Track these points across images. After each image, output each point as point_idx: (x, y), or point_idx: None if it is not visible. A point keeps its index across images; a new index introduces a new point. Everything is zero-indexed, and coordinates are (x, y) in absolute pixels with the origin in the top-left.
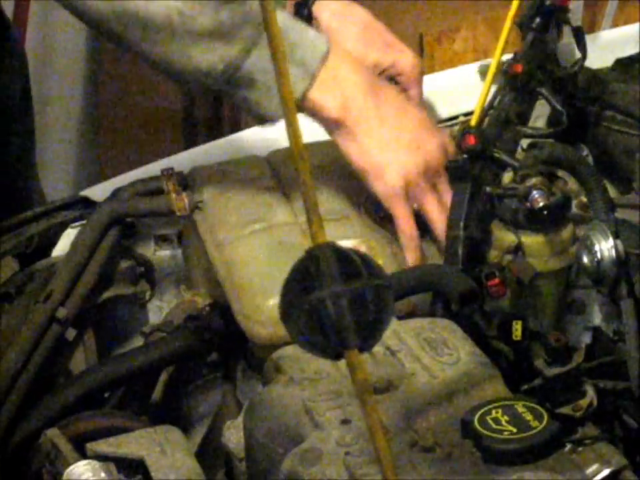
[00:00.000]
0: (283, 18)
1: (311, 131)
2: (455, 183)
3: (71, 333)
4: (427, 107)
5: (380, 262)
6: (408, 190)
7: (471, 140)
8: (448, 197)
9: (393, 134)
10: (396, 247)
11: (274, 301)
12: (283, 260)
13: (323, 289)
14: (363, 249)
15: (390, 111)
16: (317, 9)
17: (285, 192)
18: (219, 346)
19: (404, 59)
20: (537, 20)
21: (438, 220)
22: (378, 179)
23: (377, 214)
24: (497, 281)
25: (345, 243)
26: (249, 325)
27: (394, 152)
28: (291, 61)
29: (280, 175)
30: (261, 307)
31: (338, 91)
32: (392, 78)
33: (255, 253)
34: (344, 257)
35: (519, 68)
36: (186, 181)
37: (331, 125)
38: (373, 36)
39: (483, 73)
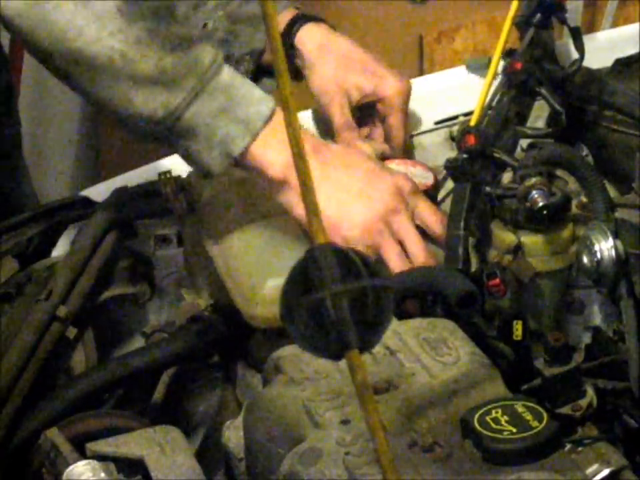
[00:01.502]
0: (231, 75)
1: (310, 131)
2: (455, 182)
3: (71, 332)
4: (406, 133)
5: None
6: (364, 241)
7: (471, 140)
8: (426, 217)
9: (340, 190)
10: None
11: (271, 282)
12: (280, 246)
13: (324, 289)
14: None
15: (335, 168)
16: (299, 41)
17: None
18: (221, 347)
19: (385, 85)
20: (538, 16)
21: (396, 267)
22: (332, 236)
23: None
24: (497, 281)
25: None
26: (247, 306)
27: (343, 207)
28: (233, 118)
29: None
30: (257, 288)
31: (282, 150)
32: (374, 105)
33: (252, 241)
34: (344, 257)
35: (519, 65)
36: (183, 183)
37: (274, 184)
38: (352, 63)
39: (472, 68)
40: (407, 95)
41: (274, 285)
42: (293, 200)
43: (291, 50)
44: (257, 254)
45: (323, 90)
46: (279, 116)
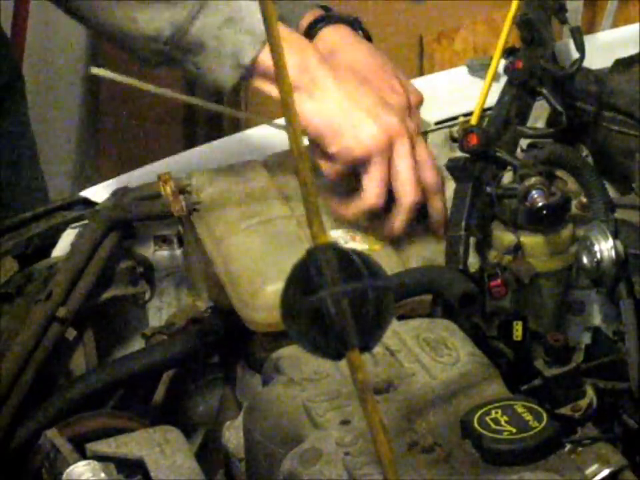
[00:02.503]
0: None
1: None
2: (457, 182)
3: (71, 333)
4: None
5: (377, 248)
6: (361, 156)
7: (473, 139)
8: (422, 157)
9: (350, 99)
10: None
11: (271, 287)
12: (280, 249)
13: (324, 289)
14: (358, 236)
15: (348, 78)
16: (316, 44)
17: (281, 190)
18: (220, 348)
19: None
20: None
21: (371, 195)
22: (333, 141)
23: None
24: (499, 281)
25: (338, 232)
26: (247, 311)
27: (350, 116)
28: (239, 29)
29: (276, 176)
30: (257, 292)
31: (293, 55)
32: None
33: (251, 244)
34: (344, 257)
35: (519, 64)
36: (183, 185)
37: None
38: (354, 72)
39: (473, 68)
40: (405, 111)
41: (274, 289)
42: (302, 101)
43: None
44: (257, 257)
45: None
46: (288, 28)
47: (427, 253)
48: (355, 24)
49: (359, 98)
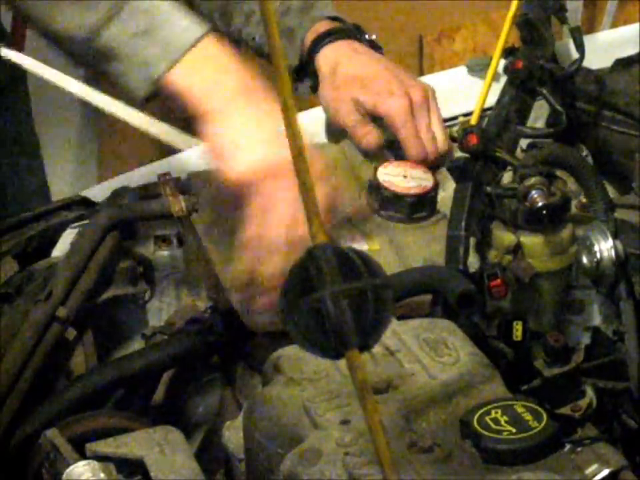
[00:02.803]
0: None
1: (310, 132)
2: (457, 182)
3: (71, 333)
4: (417, 144)
5: (377, 248)
6: (240, 183)
7: (473, 139)
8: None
9: (252, 127)
10: (392, 234)
11: None
12: None
13: (323, 288)
14: (358, 236)
15: (256, 109)
16: (317, 62)
17: None
18: (220, 348)
19: (383, 104)
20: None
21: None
22: (219, 164)
23: None
24: (499, 281)
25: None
26: (247, 313)
27: (242, 143)
28: (153, 41)
29: None
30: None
31: (203, 79)
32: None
33: None
34: (344, 256)
35: (519, 64)
36: (183, 185)
37: (193, 112)
38: (356, 82)
39: (472, 68)
40: (407, 111)
41: None
42: (207, 130)
43: (312, 70)
44: None
45: (329, 105)
46: (208, 46)
47: (426, 253)
48: (357, 34)
49: (262, 126)
